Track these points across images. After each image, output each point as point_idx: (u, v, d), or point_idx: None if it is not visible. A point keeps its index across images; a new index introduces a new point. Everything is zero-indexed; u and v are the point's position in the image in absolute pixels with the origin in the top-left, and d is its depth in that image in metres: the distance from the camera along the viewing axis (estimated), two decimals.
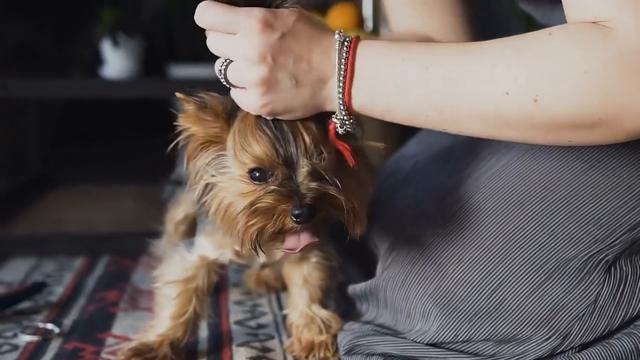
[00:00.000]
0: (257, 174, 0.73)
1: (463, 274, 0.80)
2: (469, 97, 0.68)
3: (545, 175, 0.81)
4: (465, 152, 0.92)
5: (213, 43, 0.73)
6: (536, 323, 0.78)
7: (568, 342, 0.78)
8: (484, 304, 0.79)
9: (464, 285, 0.80)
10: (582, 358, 0.79)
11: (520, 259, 0.79)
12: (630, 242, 0.79)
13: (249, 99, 0.72)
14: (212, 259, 0.88)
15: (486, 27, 1.03)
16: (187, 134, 0.78)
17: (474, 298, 0.79)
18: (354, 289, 0.93)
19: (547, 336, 0.78)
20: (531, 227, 0.79)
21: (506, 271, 0.79)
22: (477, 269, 0.80)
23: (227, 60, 0.72)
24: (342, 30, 0.73)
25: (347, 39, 0.72)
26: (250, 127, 0.73)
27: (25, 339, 0.95)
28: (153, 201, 1.96)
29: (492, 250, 0.80)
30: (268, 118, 0.73)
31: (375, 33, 1.83)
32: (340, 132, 0.74)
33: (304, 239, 0.72)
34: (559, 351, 0.79)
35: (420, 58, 0.70)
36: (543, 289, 0.78)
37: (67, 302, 1.12)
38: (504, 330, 0.79)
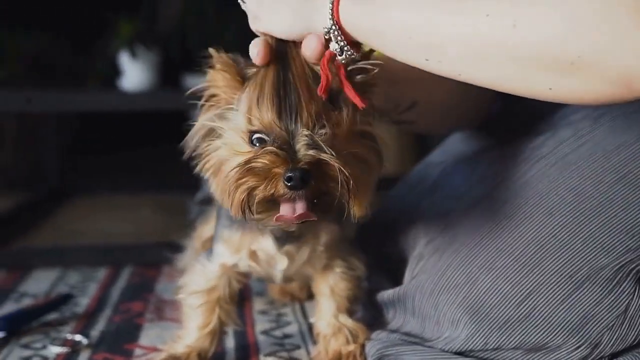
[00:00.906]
0: (258, 137, 0.73)
1: (493, 283, 0.81)
2: (454, 13, 0.66)
3: (576, 184, 0.81)
4: (493, 159, 0.92)
5: None
6: (566, 332, 0.78)
7: (598, 351, 0.79)
8: (514, 313, 0.79)
9: (494, 293, 0.80)
10: None
11: (551, 268, 0.79)
12: None
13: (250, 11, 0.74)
14: (230, 265, 0.88)
15: None
16: (208, 89, 0.79)
17: (504, 306, 0.80)
18: (382, 296, 0.93)
19: (577, 345, 0.78)
20: (562, 236, 0.79)
21: (537, 280, 0.79)
22: (507, 278, 0.80)
23: None
24: None
25: None
26: (263, 91, 0.73)
27: (55, 350, 0.96)
28: (171, 210, 1.98)
29: (522, 259, 0.80)
30: (257, 32, 0.75)
31: None
32: (340, 59, 0.73)
33: (299, 207, 0.70)
34: None
35: None
36: (573, 298, 0.78)
37: (93, 313, 1.13)
38: (534, 339, 0.79)
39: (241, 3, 0.79)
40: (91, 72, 2.39)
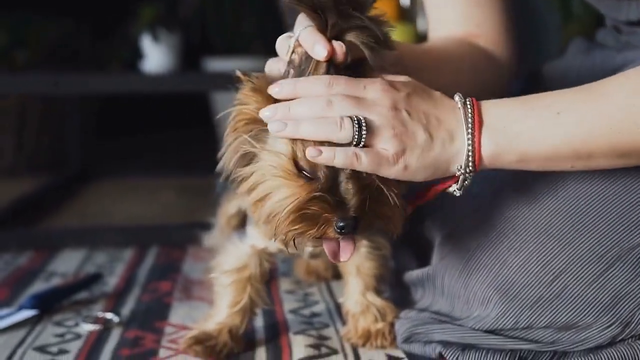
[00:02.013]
0: (304, 167, 0.72)
1: (523, 263, 0.81)
2: (606, 134, 0.71)
3: None
4: None
5: (341, 107, 0.70)
6: (597, 311, 0.78)
7: (629, 330, 0.79)
8: (545, 292, 0.79)
9: (525, 273, 0.80)
10: None
11: (582, 248, 0.79)
12: None
13: (383, 154, 0.70)
14: (261, 248, 0.89)
15: (520, 18, 1.03)
16: (238, 110, 0.76)
17: (534, 286, 0.80)
18: (410, 275, 0.94)
19: (608, 324, 0.78)
20: (592, 216, 0.79)
21: (567, 260, 0.79)
22: (537, 258, 0.80)
23: (361, 120, 0.69)
24: (459, 93, 0.74)
25: (468, 99, 0.73)
26: None
27: (87, 328, 0.98)
28: (194, 193, 2.00)
29: (553, 239, 0.80)
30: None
31: (413, 24, 1.83)
32: (457, 191, 0.75)
33: (346, 250, 0.72)
34: (619, 339, 0.79)
35: (546, 103, 0.72)
36: (605, 277, 0.78)
37: (122, 293, 1.15)
38: (564, 318, 0.79)
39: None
40: (113, 56, 2.41)
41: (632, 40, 0.93)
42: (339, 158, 0.69)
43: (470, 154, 0.72)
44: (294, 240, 0.72)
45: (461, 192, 0.75)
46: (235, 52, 2.60)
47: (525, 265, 0.81)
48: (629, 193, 0.79)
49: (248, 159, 0.75)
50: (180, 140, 3.17)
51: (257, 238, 0.88)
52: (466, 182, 0.74)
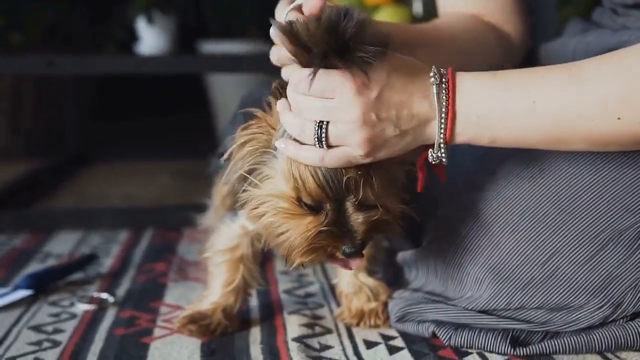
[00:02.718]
0: (309, 204, 0.75)
1: (516, 244, 0.81)
2: (579, 123, 0.70)
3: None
4: None
5: (307, 106, 0.72)
6: (589, 292, 0.79)
7: (620, 311, 0.79)
8: (537, 273, 0.80)
9: (517, 254, 0.81)
10: (634, 327, 0.80)
11: (575, 229, 0.79)
12: None
13: (351, 154, 0.72)
14: (251, 229, 0.89)
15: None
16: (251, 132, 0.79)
17: (527, 267, 0.80)
18: (404, 256, 0.94)
19: (599, 305, 0.79)
20: (586, 198, 0.80)
21: (560, 241, 0.80)
22: (530, 239, 0.81)
23: (323, 123, 0.71)
24: (434, 67, 0.72)
25: (444, 75, 0.72)
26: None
27: (82, 307, 0.98)
28: (190, 176, 1.99)
29: (545, 221, 0.81)
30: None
31: (409, 7, 1.82)
32: (432, 160, 0.75)
33: (355, 262, 0.77)
34: (610, 320, 0.80)
35: (523, 88, 0.71)
36: (597, 259, 0.79)
37: (117, 273, 1.15)
38: (556, 299, 0.80)
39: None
40: (109, 38, 2.40)
41: (627, 22, 0.93)
42: (305, 155, 0.72)
43: (442, 141, 0.73)
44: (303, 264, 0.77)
45: (440, 161, 0.75)
46: (232, 36, 2.59)
47: (518, 247, 0.81)
48: (622, 176, 0.79)
49: (252, 175, 0.78)
50: (177, 124, 3.17)
51: (246, 221, 0.88)
52: (442, 158, 0.74)
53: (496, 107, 0.72)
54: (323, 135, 0.71)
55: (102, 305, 0.99)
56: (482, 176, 0.87)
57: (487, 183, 0.87)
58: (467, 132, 0.73)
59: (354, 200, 0.74)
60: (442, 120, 0.71)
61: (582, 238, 0.79)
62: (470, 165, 0.91)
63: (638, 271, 0.79)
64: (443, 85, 0.71)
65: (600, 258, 0.79)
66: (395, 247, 1.00)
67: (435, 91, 0.71)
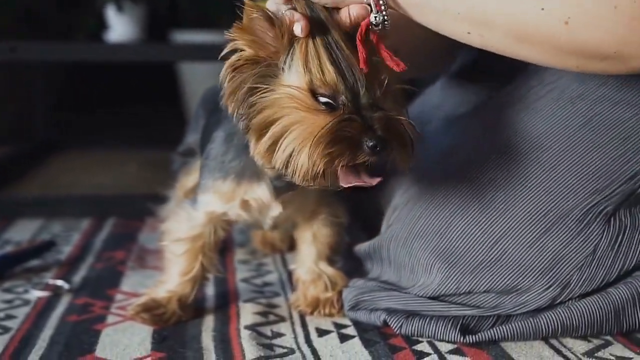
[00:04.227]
0: (326, 100, 0.72)
1: (464, 228, 0.82)
2: (507, 3, 0.71)
3: (543, 130, 0.83)
4: (463, 110, 0.93)
5: None
6: (536, 273, 0.80)
7: (568, 291, 0.81)
8: (485, 256, 0.81)
9: (466, 238, 0.82)
10: (581, 307, 0.81)
11: (521, 212, 0.81)
12: (629, 192, 0.81)
13: None
14: (219, 214, 0.88)
15: None
16: (234, 46, 0.75)
17: (475, 250, 0.82)
18: (359, 248, 0.95)
19: (547, 286, 0.80)
20: (531, 181, 0.81)
21: (507, 224, 0.81)
22: (478, 223, 0.82)
23: None
24: None
25: None
26: (321, 52, 0.72)
27: (36, 294, 0.97)
28: (157, 166, 1.98)
29: (492, 204, 0.82)
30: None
31: None
32: (375, 25, 0.73)
33: (375, 180, 0.72)
34: (558, 301, 0.81)
35: None
36: (543, 240, 0.80)
37: (75, 261, 1.14)
38: (504, 281, 0.81)
39: None
40: (78, 26, 2.37)
41: None
42: None
43: None
44: (324, 173, 0.71)
45: (383, 23, 0.73)
46: (206, 26, 2.57)
47: (466, 230, 0.82)
48: (566, 157, 0.81)
49: (253, 96, 0.74)
50: (148, 114, 3.15)
51: (215, 204, 0.88)
52: (384, 12, 0.73)
53: None
54: None
55: (56, 292, 0.98)
56: (432, 165, 0.89)
57: (436, 170, 0.88)
58: None
59: (368, 97, 0.72)
60: None
61: (528, 220, 0.81)
62: (420, 154, 0.92)
63: (583, 252, 0.80)
64: None
65: (547, 239, 0.80)
66: (353, 239, 1.01)
67: None
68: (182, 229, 0.91)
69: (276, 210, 0.87)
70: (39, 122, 2.39)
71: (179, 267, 0.90)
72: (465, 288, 0.81)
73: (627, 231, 0.81)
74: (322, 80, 0.72)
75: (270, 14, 0.73)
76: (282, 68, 0.74)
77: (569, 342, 0.83)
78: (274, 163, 0.73)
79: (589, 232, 0.80)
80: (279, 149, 0.72)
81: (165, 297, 0.89)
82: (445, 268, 0.82)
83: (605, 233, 0.80)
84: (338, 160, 0.70)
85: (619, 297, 0.81)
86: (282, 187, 0.84)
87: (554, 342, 0.83)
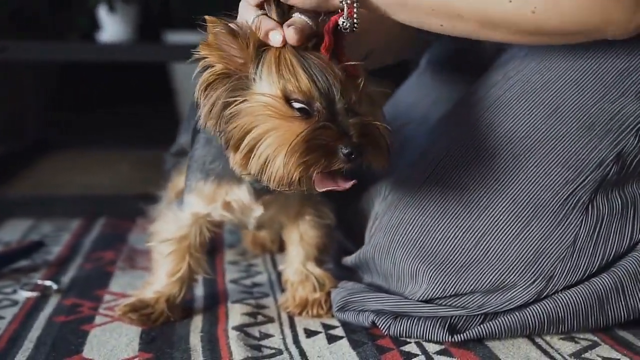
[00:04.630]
0: (300, 105, 0.72)
1: (445, 231, 0.83)
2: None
3: (510, 125, 0.84)
4: (436, 111, 0.94)
5: None
6: (520, 269, 0.81)
7: (552, 284, 0.81)
8: (468, 257, 0.82)
9: (447, 241, 0.82)
10: (565, 297, 0.81)
11: (499, 209, 0.82)
12: (600, 179, 0.82)
13: None
14: (203, 215, 0.89)
15: None
16: (204, 64, 0.75)
17: (458, 252, 0.82)
18: (346, 260, 0.95)
19: (531, 280, 0.81)
20: (504, 177, 0.82)
21: (486, 222, 0.82)
22: (458, 225, 0.82)
23: None
24: None
25: None
26: (291, 60, 0.72)
27: (25, 294, 0.97)
28: (148, 166, 1.97)
29: (470, 205, 0.83)
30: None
31: None
32: (343, 28, 0.73)
33: (347, 183, 0.73)
34: (544, 295, 0.81)
35: None
36: (523, 235, 0.81)
37: (64, 261, 1.14)
38: (490, 280, 0.81)
39: None
40: (70, 26, 2.37)
41: None
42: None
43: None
44: (299, 180, 0.71)
45: (352, 27, 0.74)
46: (198, 26, 2.57)
47: (447, 233, 0.83)
48: (535, 150, 0.83)
49: (229, 110, 0.74)
50: (141, 114, 3.14)
51: (198, 205, 0.88)
52: (355, 17, 0.74)
53: None
54: None
55: (45, 293, 0.98)
56: (405, 170, 0.90)
57: (412, 174, 0.89)
58: None
59: (343, 103, 0.72)
60: None
61: (507, 217, 0.82)
62: (395, 159, 0.92)
63: (564, 243, 0.81)
64: None
65: (527, 234, 0.81)
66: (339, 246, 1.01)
67: None
68: (169, 229, 0.91)
69: (258, 211, 0.87)
70: (30, 121, 2.38)
71: (167, 267, 0.90)
72: (451, 290, 0.82)
73: (604, 220, 0.82)
74: (295, 86, 0.71)
75: (231, 26, 0.73)
76: (253, 78, 0.73)
77: (557, 343, 0.83)
78: (250, 169, 0.74)
79: (567, 223, 0.81)
80: (254, 156, 0.72)
81: (153, 298, 0.89)
82: (430, 272, 0.82)
83: (583, 223, 0.81)
84: (313, 168, 0.70)
85: (603, 287, 0.81)
86: (262, 189, 0.84)
87: (541, 342, 0.83)
